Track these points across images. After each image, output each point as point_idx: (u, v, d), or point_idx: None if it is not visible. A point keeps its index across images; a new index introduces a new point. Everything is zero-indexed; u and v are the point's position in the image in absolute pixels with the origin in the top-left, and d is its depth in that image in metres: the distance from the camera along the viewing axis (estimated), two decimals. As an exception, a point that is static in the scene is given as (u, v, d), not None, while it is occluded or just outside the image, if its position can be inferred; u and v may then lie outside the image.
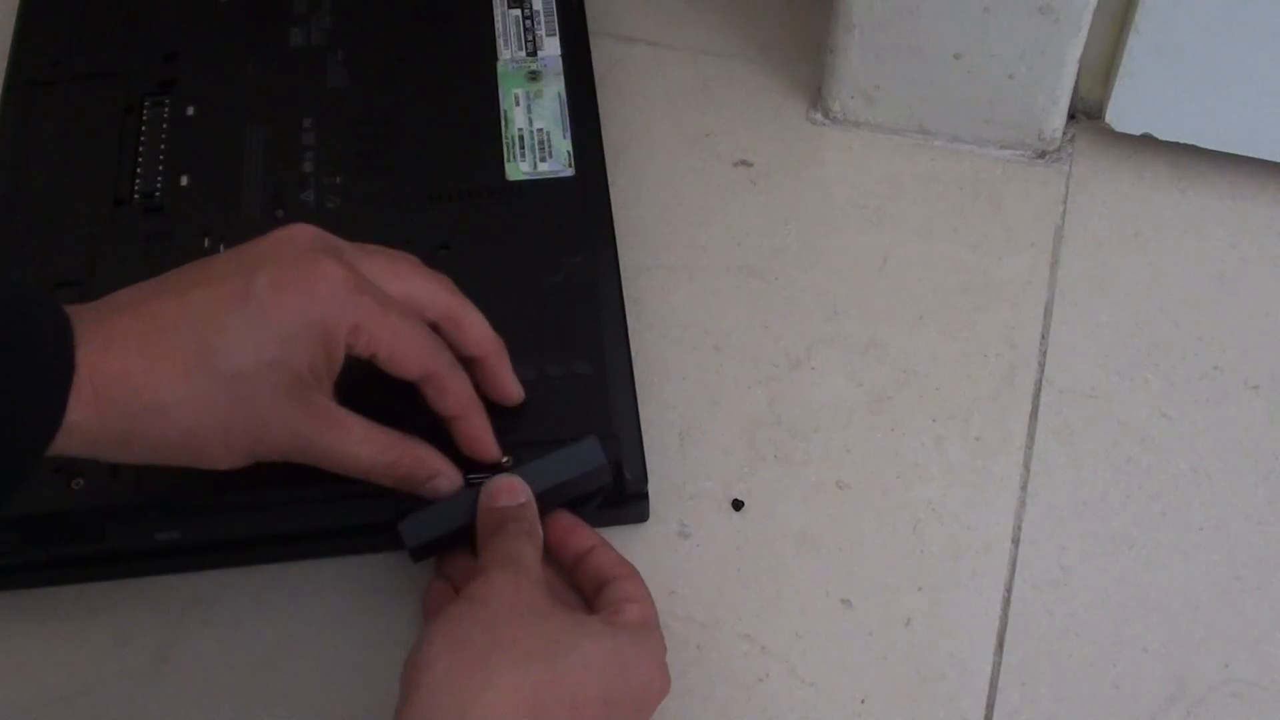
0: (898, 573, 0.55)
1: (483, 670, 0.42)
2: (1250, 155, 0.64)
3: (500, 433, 0.53)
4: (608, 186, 0.61)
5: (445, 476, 0.50)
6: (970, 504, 0.57)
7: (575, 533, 0.52)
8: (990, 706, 0.53)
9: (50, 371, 0.42)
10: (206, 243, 0.59)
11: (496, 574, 0.46)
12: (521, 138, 0.62)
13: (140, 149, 0.61)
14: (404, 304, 0.48)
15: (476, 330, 0.51)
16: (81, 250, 0.58)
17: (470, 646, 0.43)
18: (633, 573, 0.50)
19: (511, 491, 0.50)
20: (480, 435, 0.51)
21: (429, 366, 0.49)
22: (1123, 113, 0.64)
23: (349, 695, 0.53)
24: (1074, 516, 0.57)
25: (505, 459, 0.52)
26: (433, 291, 0.50)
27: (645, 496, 0.55)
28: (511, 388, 0.52)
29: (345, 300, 0.46)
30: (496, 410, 0.53)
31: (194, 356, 0.44)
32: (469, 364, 0.51)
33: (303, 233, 0.48)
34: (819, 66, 0.67)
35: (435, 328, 0.50)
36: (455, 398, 0.50)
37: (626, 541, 0.55)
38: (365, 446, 0.48)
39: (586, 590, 0.51)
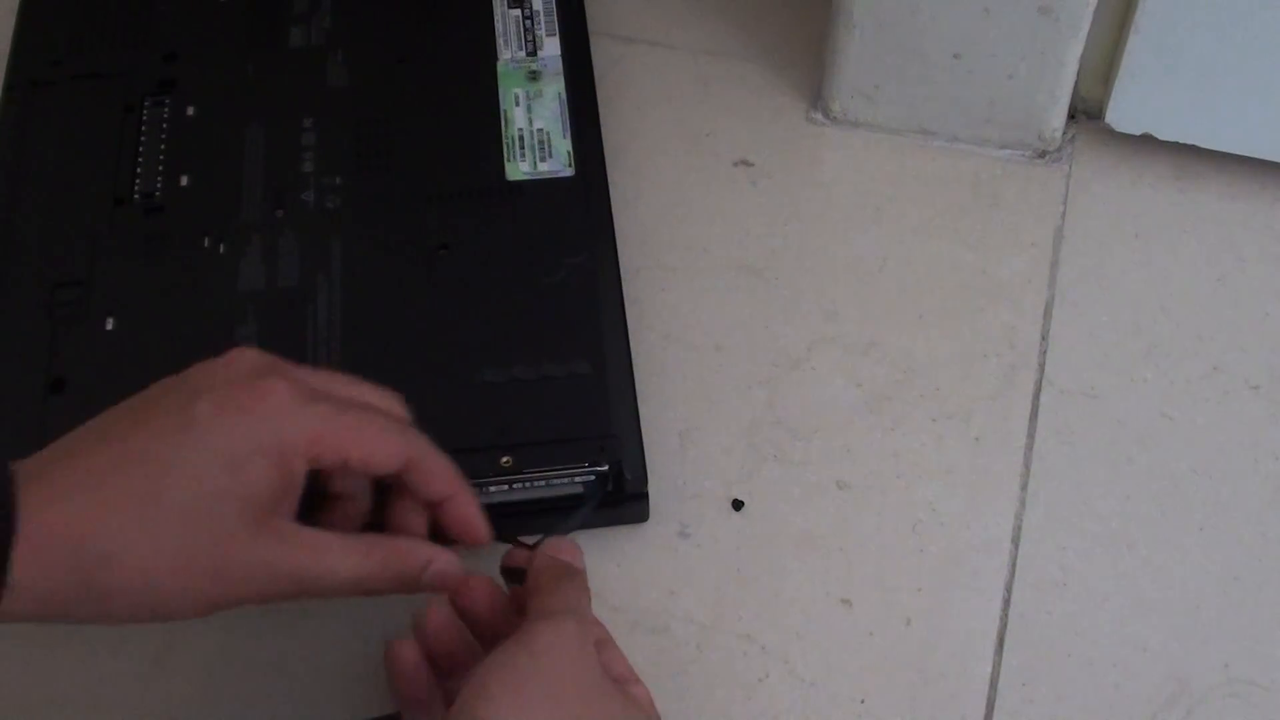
0: (898, 573, 0.55)
1: None
2: (1250, 155, 0.64)
3: (500, 433, 0.53)
4: (608, 186, 0.61)
5: (440, 559, 0.47)
6: (970, 504, 0.57)
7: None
8: (990, 706, 0.53)
9: None
10: (206, 242, 0.59)
11: (563, 622, 0.43)
12: (521, 138, 0.62)
13: (140, 149, 0.62)
14: (357, 403, 0.45)
15: (439, 475, 0.47)
16: (81, 250, 0.58)
17: (534, 712, 0.41)
18: (610, 637, 0.48)
19: (573, 553, 0.48)
20: (474, 513, 0.48)
21: (407, 452, 0.45)
22: (1123, 113, 0.64)
23: (349, 696, 0.53)
24: (1074, 516, 0.57)
25: (505, 459, 0.52)
26: (388, 400, 0.47)
27: (645, 496, 0.55)
28: (479, 523, 0.48)
29: (297, 413, 0.43)
30: (497, 408, 0.53)
31: (139, 498, 0.41)
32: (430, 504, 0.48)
33: (243, 357, 0.45)
34: (819, 66, 0.67)
35: (406, 477, 0.46)
36: (441, 478, 0.46)
37: (627, 542, 0.56)
38: (346, 559, 0.44)
39: None
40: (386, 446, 0.45)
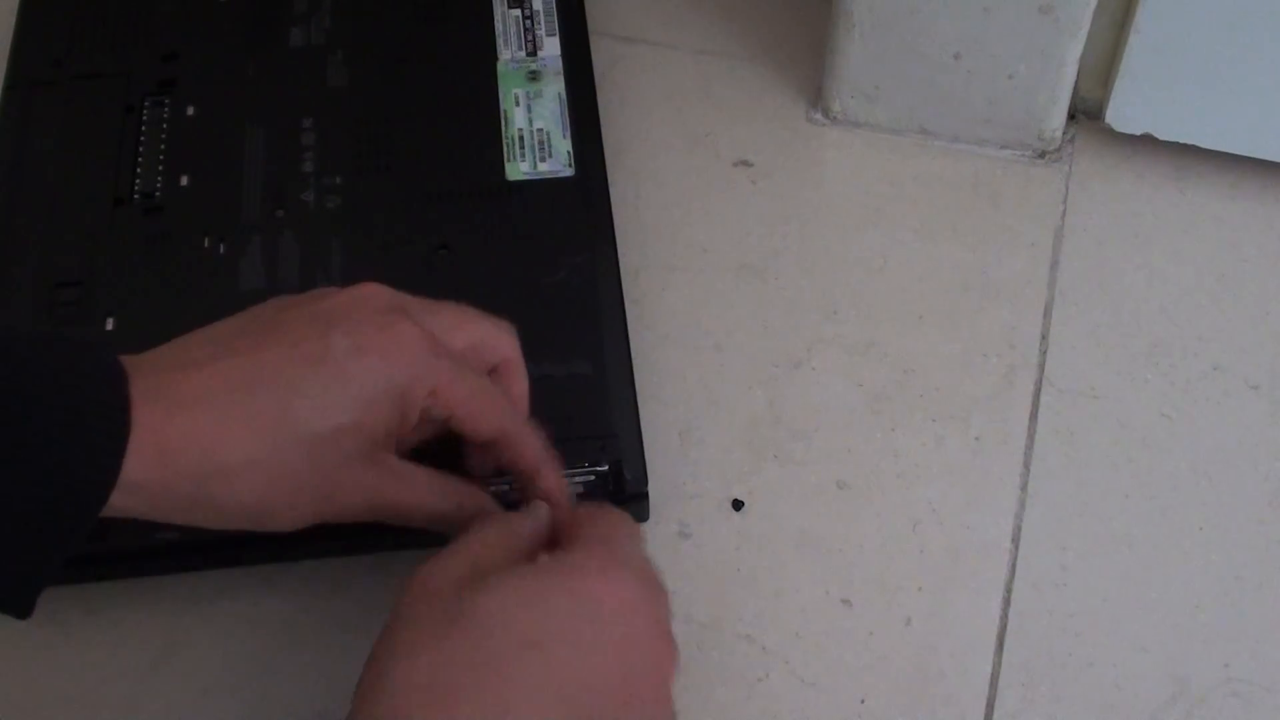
0: (898, 573, 0.55)
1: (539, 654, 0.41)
2: (1250, 155, 0.64)
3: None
4: (608, 186, 0.61)
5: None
6: (970, 504, 0.57)
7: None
8: (990, 706, 0.53)
9: (104, 429, 0.40)
10: (206, 242, 0.59)
11: (592, 550, 0.44)
12: (521, 138, 0.62)
13: (140, 149, 0.62)
14: (469, 355, 0.48)
15: (519, 389, 0.50)
16: (81, 250, 0.58)
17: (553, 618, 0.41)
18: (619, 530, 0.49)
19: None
20: (559, 489, 0.49)
21: (504, 426, 0.48)
22: (1123, 113, 0.64)
23: (349, 696, 0.53)
24: (1074, 516, 0.57)
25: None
26: (496, 337, 0.49)
27: (645, 496, 0.55)
28: (558, 498, 0.49)
29: (424, 363, 0.45)
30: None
31: (269, 419, 0.43)
32: None
33: (376, 293, 0.47)
34: (819, 66, 0.67)
35: (490, 373, 0.49)
36: (531, 453, 0.48)
37: (626, 541, 0.56)
38: (432, 497, 0.47)
39: None
40: (488, 417, 0.47)
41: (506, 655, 0.40)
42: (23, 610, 0.41)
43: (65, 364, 0.41)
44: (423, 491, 0.47)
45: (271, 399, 0.43)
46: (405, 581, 0.43)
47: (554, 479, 0.49)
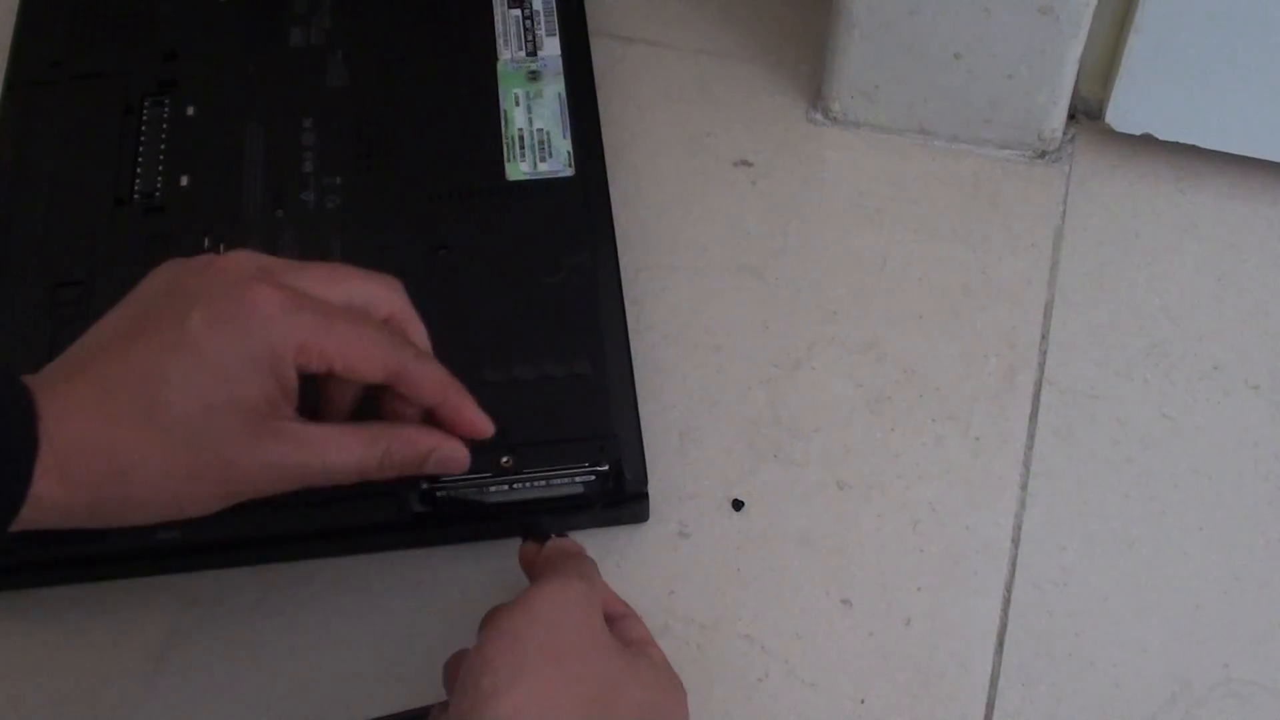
0: (898, 573, 0.55)
1: (551, 711, 0.41)
2: (1250, 155, 0.64)
3: (501, 433, 0.53)
4: (608, 186, 0.61)
5: (444, 447, 0.48)
6: (970, 504, 0.57)
7: None
8: (990, 706, 0.53)
9: (14, 446, 0.41)
10: (206, 242, 0.59)
11: (567, 583, 0.44)
12: (521, 138, 0.62)
13: (140, 149, 0.62)
14: (349, 308, 0.46)
15: (415, 336, 0.48)
16: (81, 250, 0.58)
17: (538, 676, 0.42)
18: (633, 611, 0.49)
19: (576, 546, 0.50)
20: (468, 412, 0.48)
21: (391, 365, 0.46)
22: (1123, 113, 0.64)
23: (349, 696, 0.53)
24: (1074, 516, 0.57)
25: (505, 459, 0.53)
26: (377, 293, 0.48)
27: (645, 496, 0.55)
28: (475, 419, 0.49)
29: (282, 322, 0.44)
30: (497, 408, 0.53)
31: (142, 414, 0.42)
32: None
33: (233, 262, 0.45)
34: (819, 66, 0.67)
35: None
36: (430, 385, 0.47)
37: (627, 542, 0.56)
38: (345, 453, 0.46)
39: None
40: (370, 358, 0.45)
41: None
42: None
43: None
44: (334, 448, 0.45)
45: (142, 393, 0.43)
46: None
47: (463, 404, 0.48)
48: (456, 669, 0.47)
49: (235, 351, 0.43)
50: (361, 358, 0.45)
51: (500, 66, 0.64)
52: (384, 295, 0.48)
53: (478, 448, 0.50)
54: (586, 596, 0.44)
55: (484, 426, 0.49)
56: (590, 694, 0.42)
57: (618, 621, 0.48)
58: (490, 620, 0.44)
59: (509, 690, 0.41)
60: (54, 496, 0.42)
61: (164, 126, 0.62)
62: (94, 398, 0.42)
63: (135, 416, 0.42)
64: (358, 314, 0.46)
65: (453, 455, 0.48)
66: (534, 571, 0.49)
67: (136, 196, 0.60)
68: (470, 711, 0.41)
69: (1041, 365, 0.61)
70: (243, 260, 0.46)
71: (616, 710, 0.43)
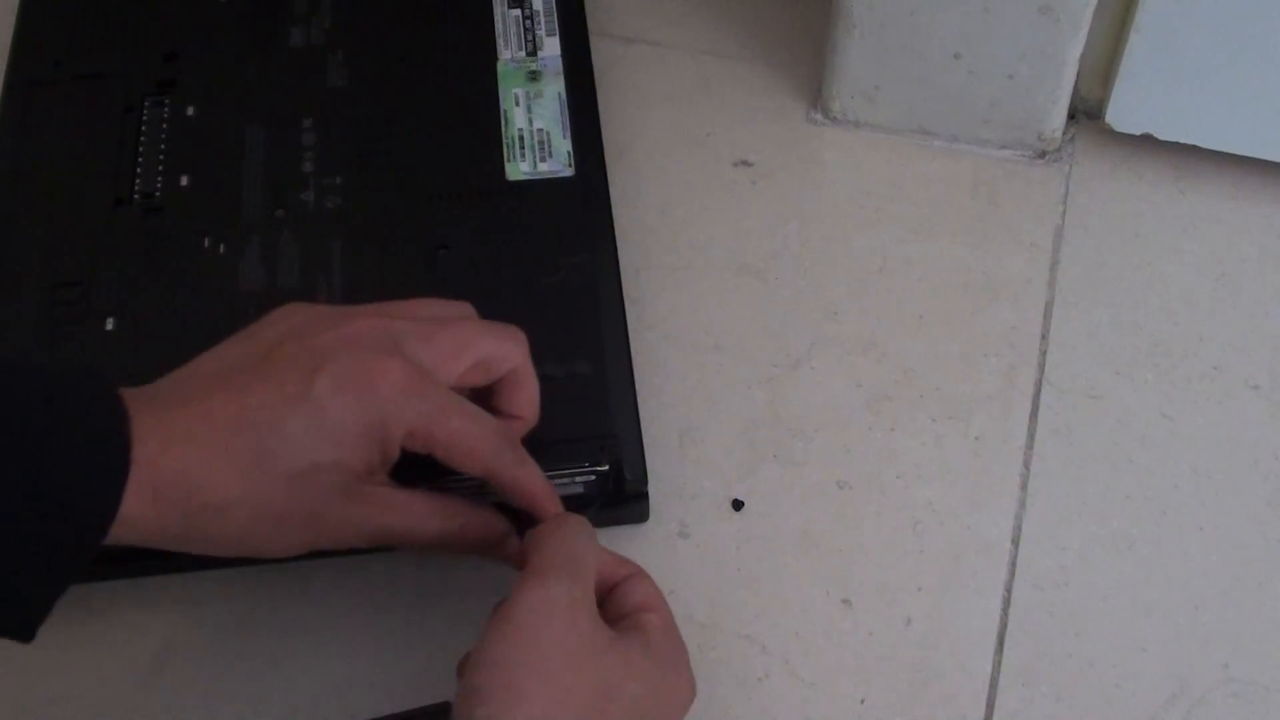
0: (898, 573, 0.55)
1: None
2: (1250, 155, 0.64)
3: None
4: (608, 186, 0.61)
5: (516, 540, 0.50)
6: (970, 504, 0.57)
7: None
8: (990, 706, 0.53)
9: (107, 464, 0.42)
10: (206, 242, 0.59)
11: (547, 585, 0.45)
12: (521, 138, 0.62)
13: (140, 149, 0.62)
14: (475, 374, 0.48)
15: (528, 395, 0.51)
16: (81, 250, 0.58)
17: (532, 700, 0.42)
18: (637, 571, 0.49)
19: (562, 525, 0.49)
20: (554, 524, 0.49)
21: (491, 467, 0.48)
22: (1123, 113, 0.64)
23: (349, 696, 0.53)
24: (1074, 516, 0.57)
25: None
26: (502, 349, 0.49)
27: (645, 496, 0.55)
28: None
29: (403, 404, 0.45)
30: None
31: (251, 458, 0.44)
32: (505, 419, 0.50)
33: (367, 327, 0.47)
34: (819, 66, 0.68)
35: (498, 382, 0.50)
36: (523, 495, 0.49)
37: (627, 542, 0.56)
38: (430, 521, 0.48)
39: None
40: (473, 456, 0.47)
41: None
42: (26, 637, 0.43)
43: (70, 399, 0.42)
44: (420, 517, 0.48)
45: (254, 438, 0.44)
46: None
47: (545, 515, 0.49)
48: (462, 670, 0.47)
49: (353, 420, 0.45)
50: (465, 454, 0.47)
51: (500, 66, 0.64)
52: (508, 351, 0.50)
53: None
54: (567, 599, 0.44)
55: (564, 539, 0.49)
56: (583, 703, 0.43)
57: (617, 589, 0.48)
58: (477, 650, 0.44)
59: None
60: (145, 519, 0.43)
61: (164, 126, 0.62)
62: (204, 433, 0.43)
63: (243, 460, 0.44)
64: (474, 413, 0.48)
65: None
66: (522, 562, 0.48)
67: (136, 196, 0.60)
68: None
69: (1041, 365, 0.61)
70: (375, 327, 0.47)
71: (611, 715, 0.43)
